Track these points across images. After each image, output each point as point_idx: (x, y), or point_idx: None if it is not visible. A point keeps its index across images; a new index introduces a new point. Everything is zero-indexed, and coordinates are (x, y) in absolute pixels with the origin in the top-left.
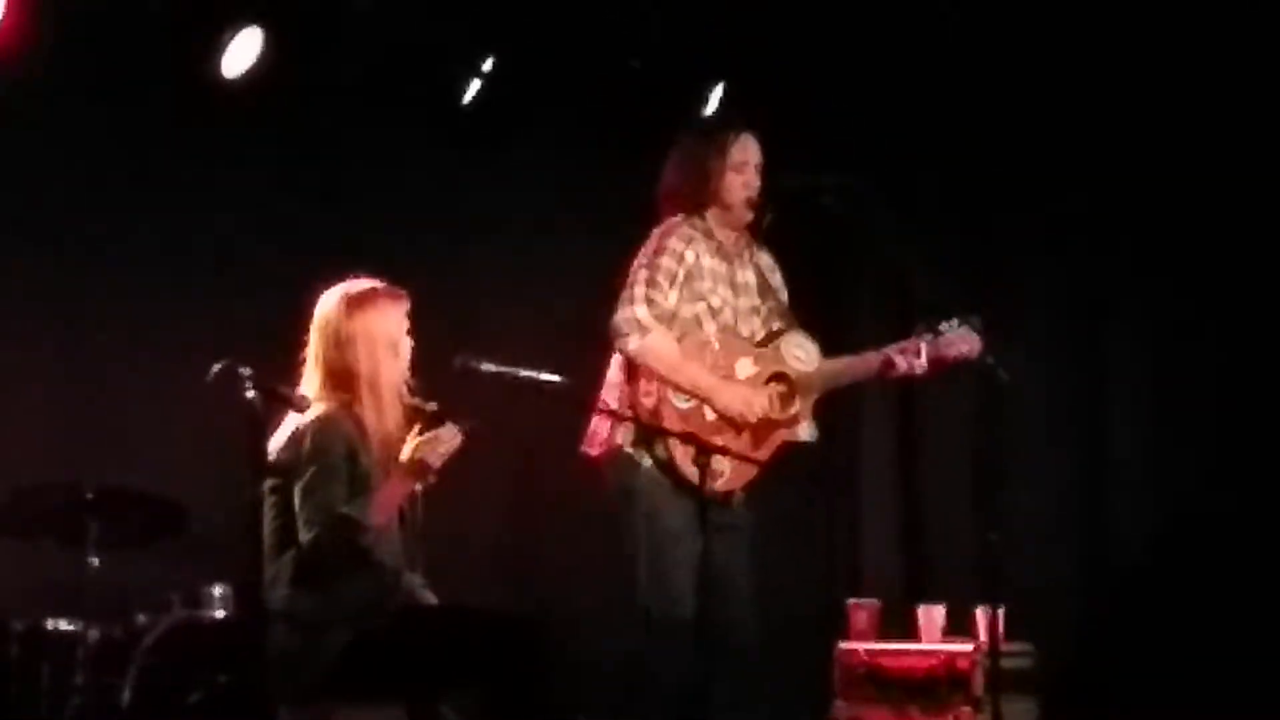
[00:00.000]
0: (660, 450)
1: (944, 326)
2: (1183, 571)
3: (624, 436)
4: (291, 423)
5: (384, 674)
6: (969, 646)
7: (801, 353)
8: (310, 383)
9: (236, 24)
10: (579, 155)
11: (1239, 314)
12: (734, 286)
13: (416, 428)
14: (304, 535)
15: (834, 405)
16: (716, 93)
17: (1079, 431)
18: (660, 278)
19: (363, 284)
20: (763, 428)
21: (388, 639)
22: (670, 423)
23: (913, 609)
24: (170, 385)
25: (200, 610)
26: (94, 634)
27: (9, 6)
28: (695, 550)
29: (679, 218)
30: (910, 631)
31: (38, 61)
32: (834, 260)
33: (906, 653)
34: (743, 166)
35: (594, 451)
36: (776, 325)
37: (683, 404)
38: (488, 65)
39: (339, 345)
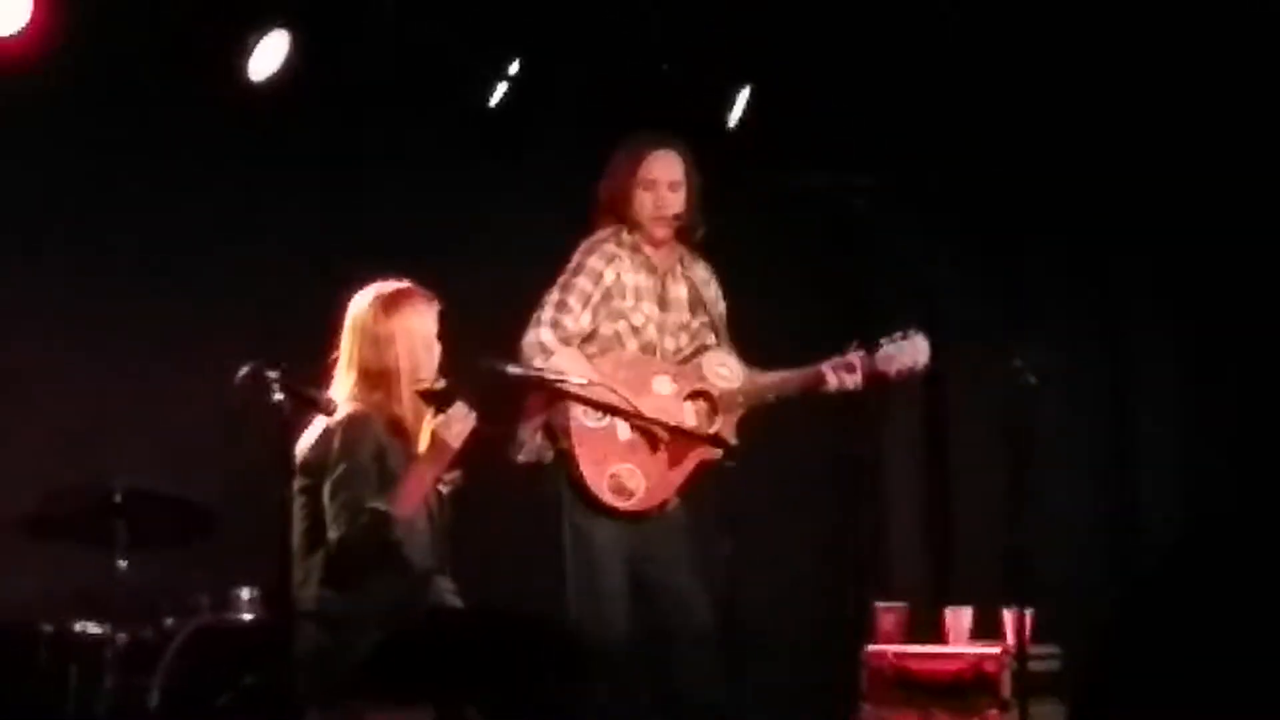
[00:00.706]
0: (573, 471)
1: (884, 341)
2: (1214, 572)
3: (546, 450)
4: (320, 423)
5: (413, 675)
6: (997, 649)
7: (724, 369)
8: (342, 384)
9: (263, 27)
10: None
11: (1267, 308)
12: (662, 302)
13: (429, 412)
14: (332, 532)
15: (859, 408)
16: (743, 96)
17: (1107, 432)
18: (572, 299)
19: (396, 285)
20: (679, 446)
21: (417, 640)
22: (580, 442)
23: (940, 611)
24: (198, 387)
25: (228, 613)
26: (122, 636)
27: (35, 7)
28: (625, 560)
29: (607, 231)
30: (938, 634)
31: (64, 63)
32: (858, 262)
33: (934, 655)
34: (652, 184)
35: (520, 459)
36: (707, 340)
37: (593, 423)
38: (514, 68)
39: (376, 345)
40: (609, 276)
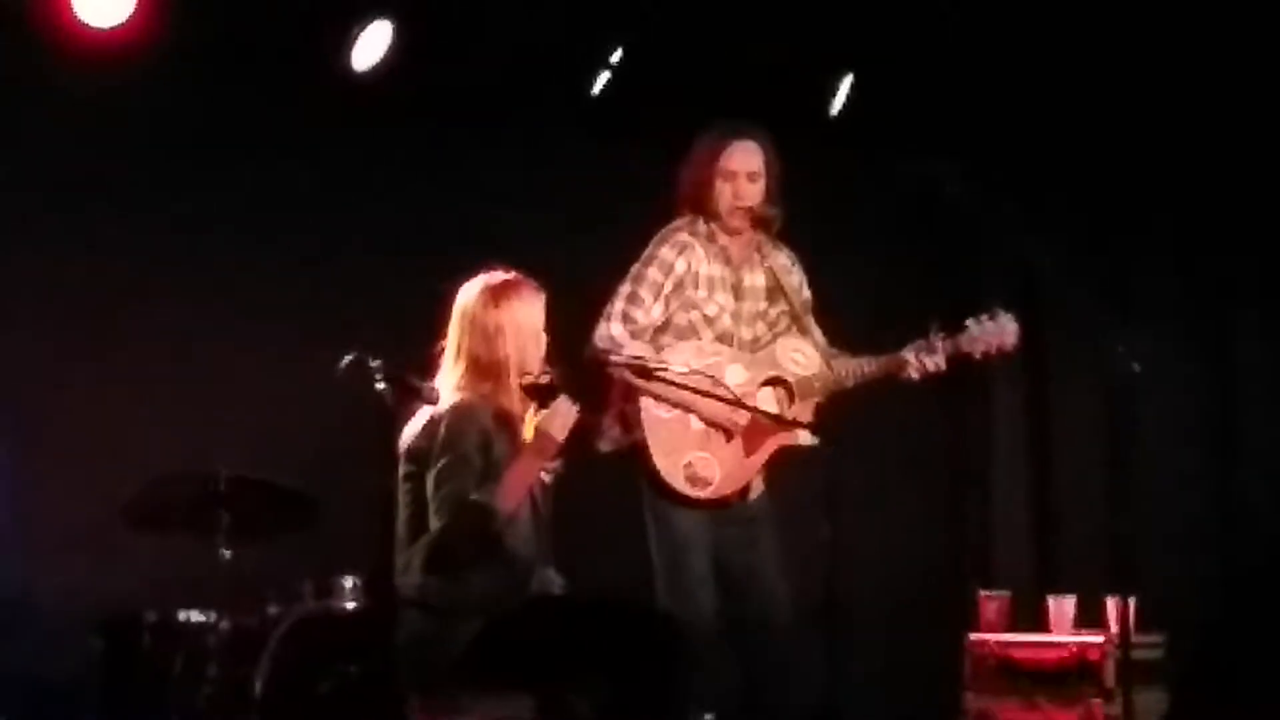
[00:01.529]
0: (647, 461)
1: (969, 322)
2: None
3: (625, 439)
4: (426, 412)
5: (514, 663)
6: (1100, 638)
7: (799, 356)
8: (450, 375)
9: (365, 17)
10: None
11: None
12: (737, 291)
13: (533, 406)
14: (435, 523)
15: (965, 396)
16: (845, 84)
17: (1211, 421)
18: (643, 291)
19: (504, 275)
20: (755, 434)
21: (519, 628)
22: (652, 433)
23: (1043, 600)
24: (301, 376)
25: (331, 601)
26: (225, 624)
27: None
28: (708, 548)
29: (682, 220)
30: (1041, 622)
31: (165, 54)
32: (955, 246)
33: (1037, 644)
34: (732, 175)
35: (604, 448)
36: (784, 328)
37: (665, 414)
38: (616, 56)
39: (486, 336)
40: (680, 266)
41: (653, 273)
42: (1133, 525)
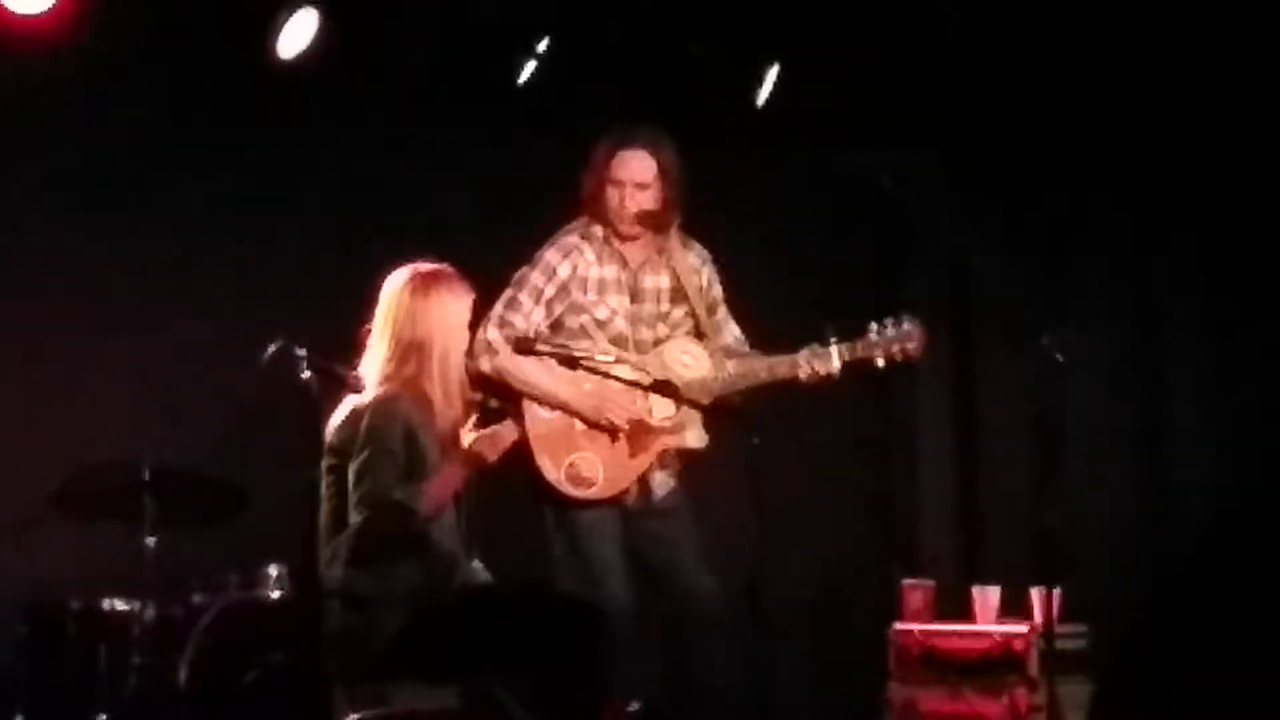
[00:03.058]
0: (530, 462)
1: (872, 327)
2: (1244, 553)
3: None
4: (350, 403)
5: (439, 654)
6: (1024, 628)
7: (688, 358)
8: (374, 361)
9: (292, 5)
10: None
11: None
12: (634, 293)
13: (474, 418)
14: (354, 518)
15: (890, 385)
16: (771, 75)
17: (1138, 412)
18: (523, 295)
19: (435, 265)
20: (640, 436)
21: (444, 619)
22: (535, 434)
23: (968, 590)
24: (227, 365)
25: (256, 590)
26: (151, 613)
27: None
28: (615, 538)
29: (576, 223)
30: (966, 613)
31: (92, 41)
32: (890, 242)
33: (962, 634)
34: (620, 184)
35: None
36: (686, 329)
37: (547, 414)
38: (541, 47)
39: (411, 318)
40: (564, 270)
41: (535, 276)
42: (1058, 516)
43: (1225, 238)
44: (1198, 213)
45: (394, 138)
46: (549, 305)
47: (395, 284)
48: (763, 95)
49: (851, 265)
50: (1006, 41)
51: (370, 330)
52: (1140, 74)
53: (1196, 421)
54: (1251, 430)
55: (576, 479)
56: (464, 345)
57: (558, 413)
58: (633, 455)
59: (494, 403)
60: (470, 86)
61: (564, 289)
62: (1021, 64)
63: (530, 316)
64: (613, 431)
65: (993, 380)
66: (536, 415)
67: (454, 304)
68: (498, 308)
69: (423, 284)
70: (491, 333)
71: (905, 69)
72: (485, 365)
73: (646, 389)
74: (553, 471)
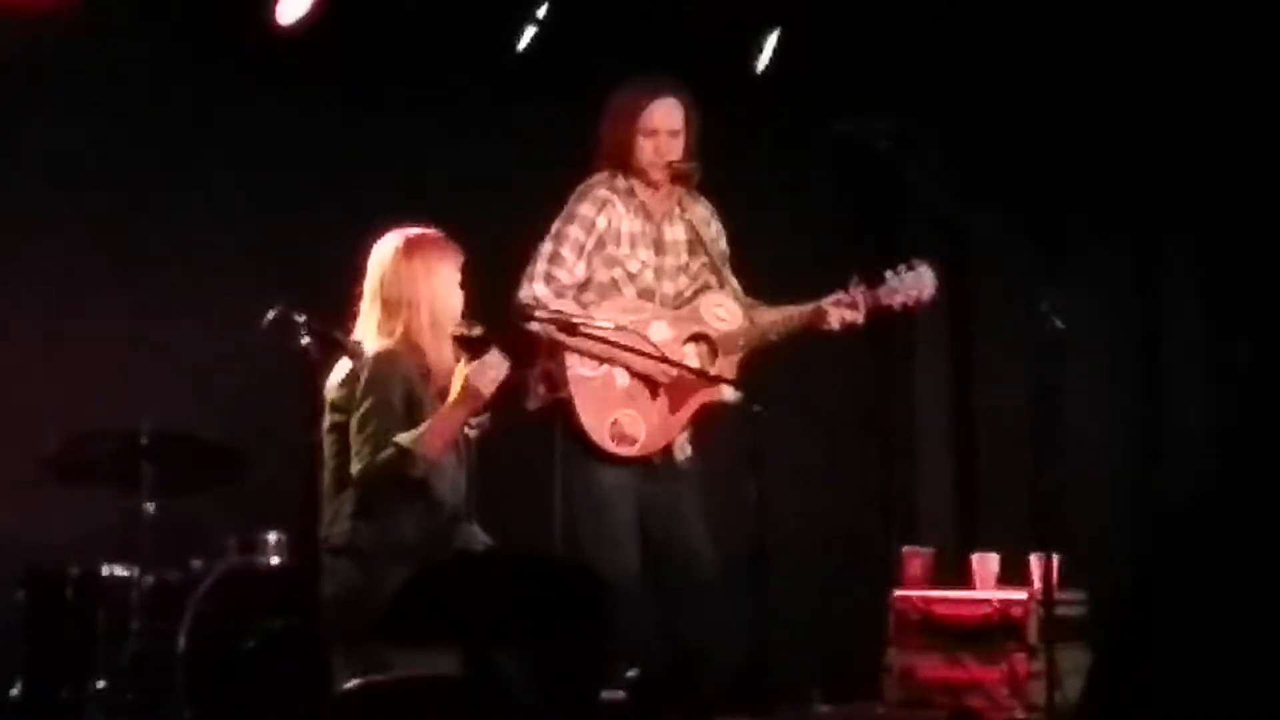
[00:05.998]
0: (574, 420)
1: (888, 275)
2: (1242, 519)
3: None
4: (348, 363)
5: (439, 619)
6: (1023, 594)
7: (722, 311)
8: (366, 323)
9: None
10: None
11: None
12: (659, 245)
13: (464, 358)
14: (355, 465)
15: (889, 351)
16: (771, 40)
17: (1137, 378)
18: (565, 250)
19: (423, 230)
20: (680, 391)
21: (444, 583)
22: (578, 391)
23: (967, 557)
24: (225, 331)
25: (255, 556)
26: (149, 580)
27: None
28: (633, 506)
29: (600, 176)
30: (965, 579)
31: (87, 7)
32: (887, 205)
33: (960, 600)
34: (653, 133)
35: (531, 406)
36: (709, 282)
37: (590, 372)
38: (541, 12)
39: (399, 280)
40: (601, 223)
41: (574, 230)
42: (1056, 483)
43: (1223, 202)
44: (1196, 175)
45: (391, 104)
46: (589, 258)
47: (385, 247)
48: (762, 62)
49: (849, 230)
50: (1004, 4)
51: (361, 294)
52: (1137, 36)
53: (1193, 387)
54: (1247, 396)
55: (621, 436)
56: (456, 307)
57: (602, 369)
58: (673, 411)
59: (477, 330)
60: (469, 52)
61: (601, 242)
62: (1020, 27)
63: (574, 271)
64: (653, 388)
65: (990, 346)
66: (579, 374)
67: (443, 266)
68: (540, 263)
69: (411, 247)
70: (539, 288)
71: (902, 33)
72: (536, 324)
73: (656, 359)
74: (597, 430)
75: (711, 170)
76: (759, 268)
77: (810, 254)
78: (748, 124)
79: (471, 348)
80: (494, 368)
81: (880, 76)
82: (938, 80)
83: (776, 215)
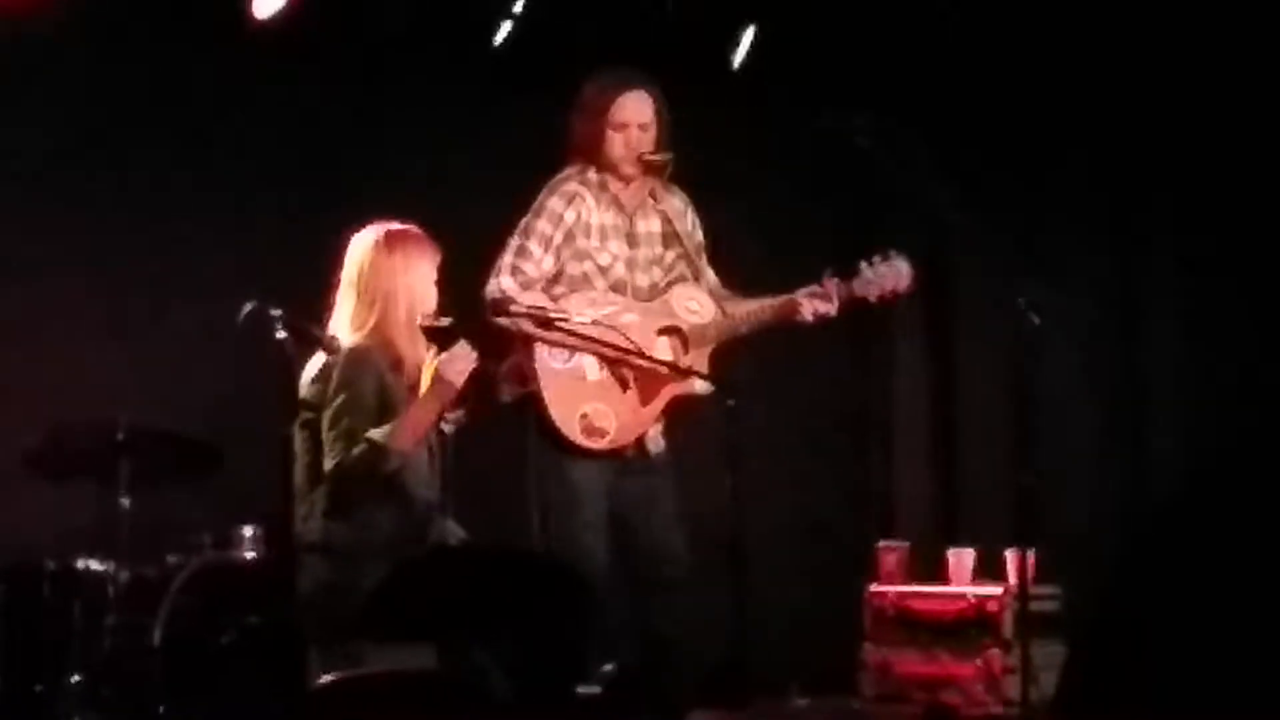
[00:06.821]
0: (543, 413)
1: (863, 266)
2: (1218, 515)
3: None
4: (321, 357)
5: (416, 614)
6: (999, 589)
7: (694, 303)
8: (341, 318)
9: None
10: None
11: (1276, 251)
12: (631, 238)
13: (433, 350)
14: (328, 461)
15: (867, 346)
16: (748, 36)
17: (1114, 374)
18: (532, 244)
19: (401, 225)
20: (651, 383)
21: (420, 578)
22: (548, 384)
23: (943, 552)
24: (202, 326)
25: (231, 550)
26: (125, 574)
27: None
28: (602, 497)
29: (571, 170)
30: (940, 574)
31: (67, 4)
32: (866, 201)
33: (936, 595)
34: (623, 126)
35: (505, 399)
36: (684, 273)
37: (560, 365)
38: (519, 6)
39: (377, 274)
40: (570, 217)
41: (541, 224)
42: (1033, 478)
43: (1203, 198)
44: (1175, 172)
45: (368, 99)
46: (557, 252)
47: (363, 242)
48: (738, 57)
49: (829, 225)
50: (986, 1)
51: (338, 288)
52: (1116, 30)
53: (1170, 383)
54: (1225, 391)
55: (590, 430)
56: (431, 303)
57: (572, 363)
58: (643, 404)
59: (444, 321)
60: (446, 47)
61: (570, 236)
62: (1002, 24)
63: (541, 264)
64: (623, 381)
65: (969, 342)
66: (547, 367)
67: (421, 262)
68: (507, 257)
69: (389, 242)
70: (505, 281)
71: (883, 29)
72: (505, 319)
73: (628, 353)
74: (567, 423)
75: (691, 164)
76: (739, 262)
77: (790, 249)
78: (728, 119)
79: (440, 339)
80: (463, 359)
81: (861, 72)
82: (918, 76)
83: (756, 210)
